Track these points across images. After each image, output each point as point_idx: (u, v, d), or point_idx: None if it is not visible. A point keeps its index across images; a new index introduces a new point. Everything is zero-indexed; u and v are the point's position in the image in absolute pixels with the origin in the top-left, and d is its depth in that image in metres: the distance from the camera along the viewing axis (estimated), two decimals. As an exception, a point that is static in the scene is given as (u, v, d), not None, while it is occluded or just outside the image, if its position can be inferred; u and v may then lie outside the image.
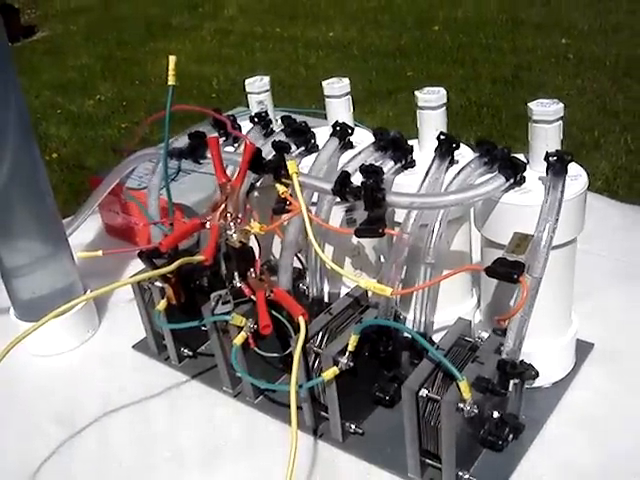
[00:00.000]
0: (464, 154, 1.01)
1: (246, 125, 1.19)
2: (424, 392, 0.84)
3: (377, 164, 0.94)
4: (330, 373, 0.90)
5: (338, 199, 0.98)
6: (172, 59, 1.05)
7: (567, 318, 1.03)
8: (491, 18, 5.72)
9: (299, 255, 1.10)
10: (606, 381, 1.03)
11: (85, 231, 1.42)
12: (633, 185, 3.27)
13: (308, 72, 5.13)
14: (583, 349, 1.08)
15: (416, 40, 5.50)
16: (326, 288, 1.09)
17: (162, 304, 1.08)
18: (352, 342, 0.89)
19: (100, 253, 1.09)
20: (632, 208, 1.49)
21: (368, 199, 0.89)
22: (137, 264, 1.37)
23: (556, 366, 1.03)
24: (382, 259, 1.21)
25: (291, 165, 0.95)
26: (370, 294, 1.02)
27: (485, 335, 0.92)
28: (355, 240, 1.13)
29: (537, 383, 0.99)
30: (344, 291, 1.12)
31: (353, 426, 0.97)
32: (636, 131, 3.76)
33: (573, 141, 3.47)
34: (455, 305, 1.07)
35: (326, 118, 1.15)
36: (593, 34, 5.07)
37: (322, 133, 1.11)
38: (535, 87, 4.36)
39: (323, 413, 0.99)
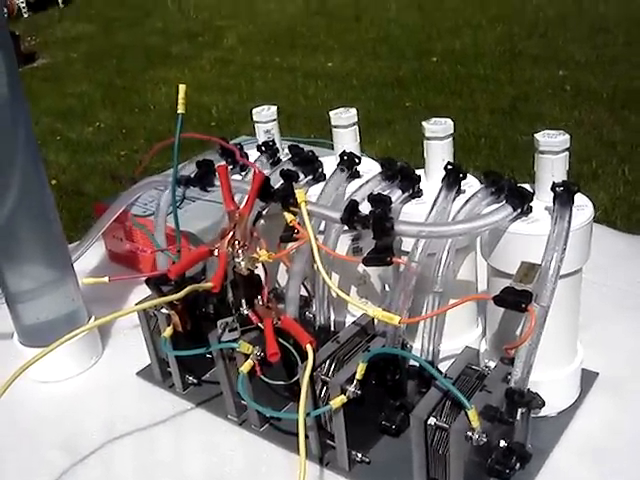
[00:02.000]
0: (471, 184, 1.02)
1: (252, 154, 1.20)
2: (432, 420, 0.84)
3: (385, 193, 0.95)
4: (338, 401, 0.90)
5: (345, 228, 0.99)
6: (182, 88, 1.06)
7: (573, 347, 1.03)
8: (489, 50, 5.78)
9: (305, 283, 1.10)
10: (611, 410, 1.04)
11: (88, 257, 1.42)
12: (631, 216, 3.29)
13: (307, 102, 5.17)
14: (588, 378, 1.08)
15: (414, 71, 5.55)
16: (332, 316, 1.09)
17: (168, 331, 1.08)
18: (360, 370, 0.90)
19: (106, 279, 1.09)
20: (635, 238, 1.50)
21: (377, 228, 0.90)
22: (140, 291, 1.38)
23: (562, 395, 1.03)
24: (387, 288, 1.21)
25: (300, 194, 0.96)
26: (376, 322, 1.03)
27: (491, 364, 0.93)
28: (361, 269, 1.13)
29: (543, 412, 0.98)
30: (350, 319, 1.13)
31: (359, 455, 0.97)
32: (634, 162, 3.79)
33: (571, 172, 3.49)
34: (461, 334, 1.07)
35: (332, 148, 1.16)
36: (590, 66, 5.12)
37: (328, 162, 1.12)
38: (533, 118, 4.40)
39: (329, 441, 0.98)
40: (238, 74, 6.03)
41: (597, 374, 1.10)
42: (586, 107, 4.47)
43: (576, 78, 4.95)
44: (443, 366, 0.96)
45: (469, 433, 0.81)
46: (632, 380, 1.09)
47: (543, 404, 0.90)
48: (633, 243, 1.47)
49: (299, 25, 7.17)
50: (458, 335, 1.06)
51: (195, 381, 1.16)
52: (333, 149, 1.16)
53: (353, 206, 0.93)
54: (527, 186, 0.97)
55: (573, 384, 1.04)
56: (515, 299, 0.82)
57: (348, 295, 1.04)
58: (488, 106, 4.69)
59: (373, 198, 0.92)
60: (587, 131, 4.10)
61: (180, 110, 1.06)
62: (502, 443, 0.89)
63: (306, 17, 7.46)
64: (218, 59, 6.46)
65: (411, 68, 5.62)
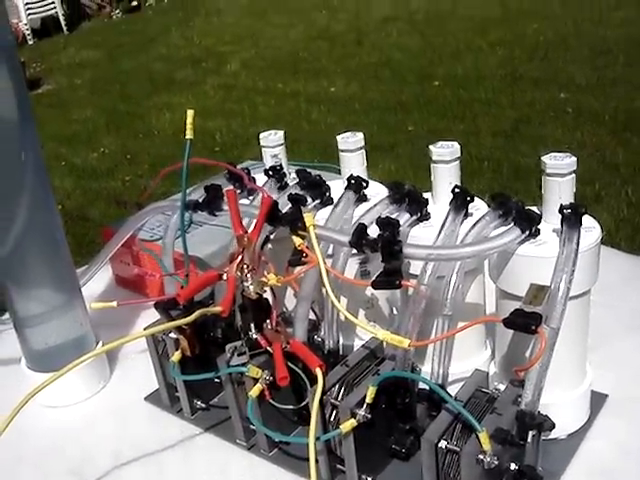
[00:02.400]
0: (478, 206, 1.02)
1: (259, 178, 1.21)
2: (443, 444, 0.84)
3: (393, 217, 0.95)
4: (348, 425, 0.90)
5: (353, 251, 1.00)
6: (190, 113, 1.07)
7: (582, 369, 1.03)
8: (490, 74, 5.81)
9: (313, 307, 1.10)
10: (621, 432, 1.03)
11: (95, 282, 1.42)
12: (635, 238, 3.29)
13: (310, 127, 5.20)
14: (597, 400, 1.07)
15: (416, 95, 5.58)
16: (340, 340, 1.10)
17: (177, 356, 1.08)
18: (370, 394, 0.89)
19: (115, 304, 1.09)
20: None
21: (385, 251, 0.90)
22: (147, 315, 1.38)
23: (571, 417, 1.03)
24: (395, 311, 1.21)
25: (308, 218, 0.97)
26: (385, 346, 1.03)
27: (501, 387, 0.93)
28: (369, 292, 1.13)
29: (553, 435, 0.98)
30: (357, 343, 1.13)
31: (369, 479, 0.96)
32: (637, 184, 3.80)
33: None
34: (469, 357, 1.07)
35: (338, 172, 1.16)
36: (591, 88, 5.15)
37: (335, 186, 1.13)
38: (535, 141, 4.42)
39: (339, 466, 0.98)
40: (241, 99, 6.07)
41: (606, 396, 1.10)
42: (588, 129, 4.49)
43: (577, 100, 4.97)
44: (452, 389, 0.96)
45: (480, 456, 0.81)
46: (641, 402, 1.09)
47: (553, 426, 0.90)
48: (639, 264, 1.47)
49: (301, 50, 7.22)
50: (467, 358, 1.06)
51: (203, 406, 1.16)
52: (339, 173, 1.16)
53: (361, 229, 0.93)
54: (534, 208, 0.97)
55: (583, 406, 1.04)
56: (525, 321, 0.82)
57: (357, 319, 1.04)
58: (490, 129, 4.72)
59: (381, 221, 0.93)
60: (590, 153, 4.11)
61: (189, 135, 1.07)
62: (513, 466, 0.88)
63: (308, 42, 7.51)
64: (221, 85, 6.50)
65: (413, 92, 5.65)
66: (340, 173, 1.16)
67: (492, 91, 5.43)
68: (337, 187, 1.13)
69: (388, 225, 0.92)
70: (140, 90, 6.49)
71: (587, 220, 0.94)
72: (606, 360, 1.13)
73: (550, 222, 0.95)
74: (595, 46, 6.00)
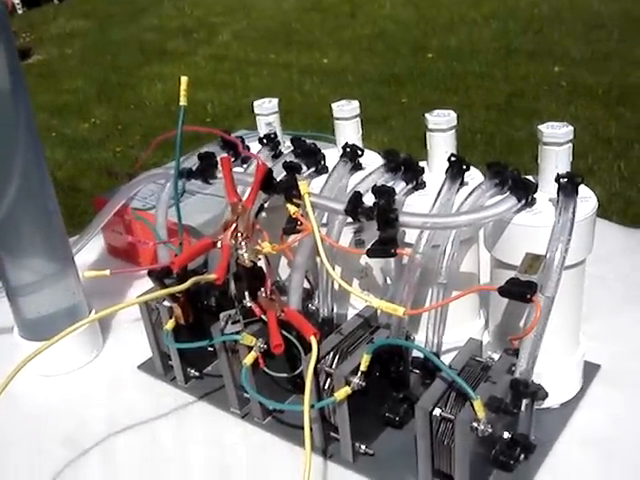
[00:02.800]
0: (473, 176, 1.02)
1: (253, 147, 1.20)
2: (438, 411, 0.84)
3: (388, 185, 0.95)
4: (342, 393, 0.90)
5: (348, 220, 0.99)
6: (184, 80, 1.05)
7: (576, 339, 1.03)
8: (484, 47, 5.78)
9: (307, 276, 1.10)
10: (614, 402, 1.04)
11: (87, 252, 1.41)
12: (627, 211, 3.30)
13: (303, 98, 5.17)
14: (590, 370, 1.08)
15: (410, 68, 5.55)
16: (334, 309, 1.09)
17: (170, 324, 1.08)
18: (364, 362, 0.89)
19: (108, 272, 1.08)
20: (636, 231, 1.50)
21: (381, 219, 0.89)
22: (140, 284, 1.38)
23: (564, 387, 1.03)
24: (389, 281, 1.21)
25: (303, 186, 0.96)
26: (379, 314, 1.03)
27: (495, 356, 0.93)
28: (363, 261, 1.13)
29: (545, 404, 0.99)
30: (351, 312, 1.13)
31: (363, 447, 0.97)
32: (629, 158, 3.81)
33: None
34: (463, 326, 1.07)
35: (333, 142, 1.16)
36: (585, 62, 5.13)
37: (330, 155, 1.12)
38: (528, 114, 4.41)
39: (333, 434, 0.98)
40: (233, 70, 6.03)
41: (599, 366, 1.10)
42: (582, 103, 4.49)
43: (571, 74, 4.96)
44: (446, 358, 0.96)
45: (474, 424, 0.81)
46: (634, 372, 1.09)
47: (546, 395, 0.90)
48: (633, 236, 1.47)
49: (294, 21, 7.16)
50: (460, 327, 1.06)
51: (197, 374, 1.16)
52: (334, 143, 1.16)
53: (357, 198, 0.93)
54: (530, 178, 0.96)
55: (576, 376, 1.04)
56: (520, 290, 0.82)
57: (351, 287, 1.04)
58: (484, 102, 4.70)
59: (377, 190, 0.92)
60: (583, 127, 4.10)
61: (182, 102, 1.06)
62: (506, 434, 0.89)
63: (301, 13, 7.45)
64: (213, 55, 6.45)
65: (406, 64, 5.62)
66: (335, 143, 1.15)
67: (486, 64, 5.40)
68: (332, 156, 1.12)
69: (384, 193, 0.91)
70: (131, 60, 6.44)
71: (583, 190, 0.93)
72: (599, 331, 1.13)
73: (546, 191, 0.94)
74: (589, 20, 5.98)
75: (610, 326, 1.18)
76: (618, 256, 1.36)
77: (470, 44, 5.89)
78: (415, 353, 0.99)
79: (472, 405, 0.81)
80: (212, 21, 7.50)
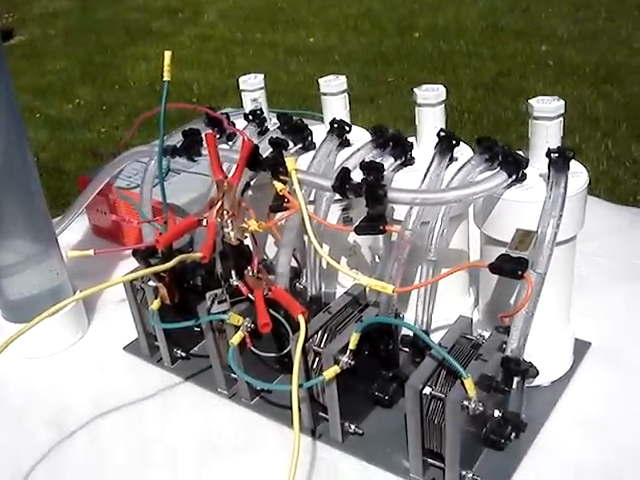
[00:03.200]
0: (463, 151, 1.00)
1: (239, 124, 1.18)
2: (428, 390, 0.83)
3: (377, 161, 0.93)
4: (331, 372, 0.88)
5: (336, 197, 0.97)
6: (168, 54, 1.03)
7: (566, 316, 1.02)
8: (471, 25, 5.74)
9: (294, 254, 1.08)
10: (604, 379, 1.03)
11: (71, 232, 1.39)
12: (615, 190, 3.29)
13: (289, 78, 5.12)
14: (581, 348, 1.07)
15: (396, 47, 5.51)
16: (322, 287, 1.08)
17: (156, 304, 1.06)
18: (353, 340, 0.88)
19: (92, 252, 1.06)
20: (626, 209, 1.50)
21: (369, 196, 0.88)
22: (125, 265, 1.36)
23: (555, 365, 1.02)
24: (377, 259, 1.20)
25: (290, 162, 0.94)
26: (368, 292, 1.01)
27: (486, 333, 0.92)
28: (351, 239, 1.12)
29: (536, 382, 0.98)
30: (340, 290, 1.11)
31: (353, 426, 0.95)
32: (616, 137, 3.80)
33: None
34: (453, 303, 1.06)
35: (320, 120, 1.14)
36: (572, 41, 5.11)
37: (317, 131, 1.10)
38: (516, 93, 4.39)
39: (321, 413, 0.97)
40: (219, 50, 5.96)
41: (590, 344, 1.09)
42: (569, 82, 4.47)
43: (559, 53, 4.93)
44: (435, 336, 0.95)
45: (465, 402, 0.80)
46: (625, 350, 1.08)
47: (537, 373, 0.89)
48: (623, 214, 1.47)
49: (280, 0, 7.09)
50: (450, 304, 1.05)
51: (183, 355, 1.15)
52: (321, 120, 1.14)
53: (345, 174, 0.91)
54: (520, 153, 0.95)
55: (566, 353, 1.04)
56: (511, 266, 0.80)
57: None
58: (471, 81, 4.67)
59: (365, 165, 0.90)
60: (570, 105, 4.07)
61: (166, 77, 1.03)
62: (497, 413, 0.88)
63: (287, -8, 7.38)
64: (198, 35, 6.38)
65: (393, 44, 5.58)
66: (322, 121, 1.13)
67: (473, 43, 5.37)
68: (319, 132, 1.10)
69: (372, 169, 0.89)
70: (115, 40, 6.35)
71: (574, 165, 0.92)
72: (590, 309, 1.12)
73: (536, 167, 0.93)
74: (576, -1, 5.95)
75: (600, 303, 1.17)
76: (607, 233, 1.35)
77: (457, 23, 5.85)
78: (404, 331, 0.98)
79: (463, 384, 0.80)
80: (197, 0, 7.41)
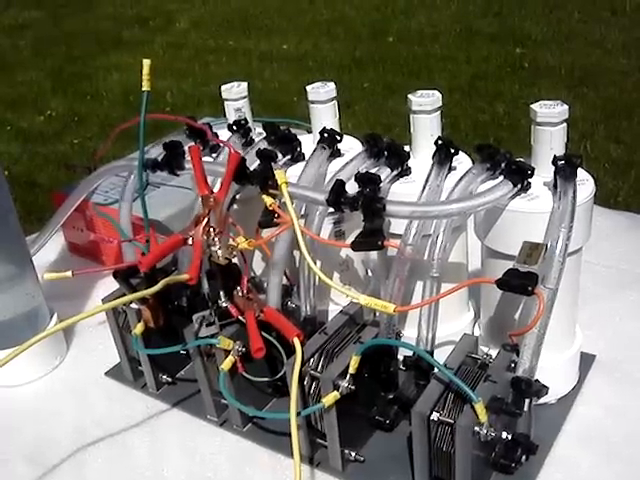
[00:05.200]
0: (461, 160, 0.95)
1: (222, 135, 1.12)
2: (435, 416, 0.77)
3: (372, 172, 0.88)
4: (331, 398, 0.83)
5: (330, 210, 0.92)
6: (146, 63, 0.97)
7: (572, 330, 0.98)
8: (444, 29, 5.72)
9: (285, 271, 1.03)
10: (611, 393, 0.99)
11: (46, 251, 1.33)
12: (595, 193, 3.27)
13: (263, 85, 5.06)
14: (585, 361, 1.03)
15: (371, 52, 5.47)
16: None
17: (139, 327, 1.00)
18: (353, 364, 0.83)
19: (69, 274, 1.00)
20: (619, 213, 1.46)
21: (367, 210, 0.82)
22: (104, 284, 1.30)
23: (562, 381, 0.98)
24: (370, 273, 1.15)
25: (280, 175, 0.88)
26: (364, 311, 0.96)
27: (491, 352, 0.87)
28: (344, 254, 1.06)
29: (543, 399, 0.93)
30: (332, 308, 1.06)
31: (353, 453, 0.90)
32: (594, 139, 3.78)
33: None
34: (452, 320, 1.01)
35: (303, 129, 1.09)
36: (547, 43, 5.10)
37: (304, 142, 1.05)
38: (492, 96, 4.37)
39: (319, 440, 0.92)
40: (191, 58, 5.89)
41: (594, 356, 1.05)
42: (545, 84, 4.45)
43: (533, 55, 4.93)
44: (437, 354, 0.90)
45: (477, 428, 0.75)
46: (630, 361, 1.05)
47: (547, 392, 0.85)
48: (617, 219, 1.43)
49: (252, 7, 7.03)
50: (450, 321, 1.00)
51: (169, 380, 1.09)
52: (305, 130, 1.09)
53: (339, 187, 0.85)
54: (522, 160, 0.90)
55: (573, 369, 0.99)
56: (520, 282, 0.75)
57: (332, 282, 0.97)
58: (447, 85, 4.64)
59: (361, 177, 0.85)
60: (548, 108, 4.06)
61: (145, 87, 0.97)
62: (507, 436, 0.83)
63: (259, -1, 7.33)
64: (170, 44, 6.30)
65: (367, 49, 5.54)
66: (305, 130, 1.08)
67: (447, 47, 5.35)
68: (306, 142, 1.05)
69: (369, 181, 0.84)
70: (86, 50, 6.25)
71: (579, 173, 0.87)
72: (592, 320, 1.08)
73: (540, 175, 0.88)
74: (549, 1, 5.95)
75: (602, 314, 1.14)
76: (603, 240, 1.31)
77: (431, 27, 5.83)
78: (405, 351, 0.93)
79: (473, 408, 0.75)
80: (169, 8, 7.32)
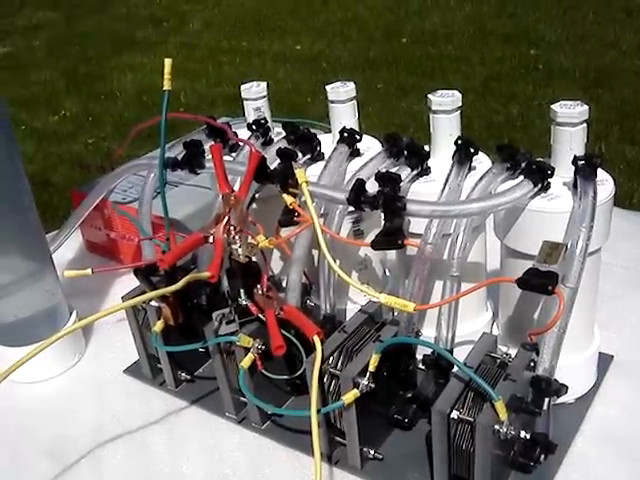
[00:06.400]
0: (480, 160, 0.96)
1: (241, 134, 1.13)
2: (455, 414, 0.78)
3: (392, 171, 0.88)
4: (350, 396, 0.83)
5: (348, 210, 0.93)
6: (168, 62, 0.98)
7: (591, 330, 0.98)
8: (458, 30, 5.72)
9: (304, 270, 1.03)
10: (629, 393, 0.99)
11: (64, 249, 1.34)
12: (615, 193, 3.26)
13: (277, 86, 5.07)
14: (604, 361, 1.03)
15: (384, 53, 5.48)
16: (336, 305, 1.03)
17: (159, 325, 1.01)
18: (373, 362, 0.83)
19: (89, 271, 1.00)
20: (635, 214, 1.46)
21: (387, 209, 0.83)
22: (122, 282, 1.31)
23: (580, 380, 0.98)
24: (387, 272, 1.15)
25: (300, 174, 0.89)
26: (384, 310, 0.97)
27: (511, 351, 0.87)
28: (362, 253, 1.07)
29: (561, 399, 0.93)
30: (350, 307, 1.07)
31: (372, 451, 0.90)
32: (609, 140, 3.77)
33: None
34: (471, 319, 1.01)
35: (321, 129, 1.09)
36: (561, 44, 5.09)
37: (323, 141, 1.06)
38: (506, 97, 4.37)
39: (337, 438, 0.92)
40: (205, 59, 5.91)
41: (612, 357, 1.05)
42: (559, 85, 4.44)
43: (548, 57, 4.92)
44: (456, 353, 0.90)
45: (497, 426, 0.75)
46: (648, 362, 1.04)
47: (566, 391, 0.85)
48: (634, 219, 1.42)
49: (265, 8, 7.04)
50: (468, 321, 1.00)
51: (188, 377, 1.09)
52: (323, 129, 1.09)
53: (360, 186, 0.86)
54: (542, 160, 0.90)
55: (591, 369, 0.99)
56: (541, 281, 0.75)
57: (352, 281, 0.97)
58: (460, 86, 4.62)
59: (381, 176, 0.85)
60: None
61: (166, 87, 0.98)
62: (526, 435, 0.83)
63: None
64: (184, 44, 6.32)
65: (381, 50, 5.55)
66: (323, 130, 1.09)
67: (461, 48, 5.34)
68: (325, 142, 1.06)
69: (389, 180, 0.84)
70: (100, 51, 6.28)
71: (599, 173, 0.87)
72: (610, 320, 1.08)
73: (559, 175, 0.88)
74: (563, 2, 5.93)
75: (619, 314, 1.14)
76: (620, 241, 1.30)
77: (444, 28, 5.82)
78: (424, 349, 0.93)
79: (493, 406, 0.75)
80: (182, 9, 7.35)
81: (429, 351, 0.90)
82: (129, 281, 1.06)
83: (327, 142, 1.06)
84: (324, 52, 5.71)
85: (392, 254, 1.09)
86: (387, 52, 5.48)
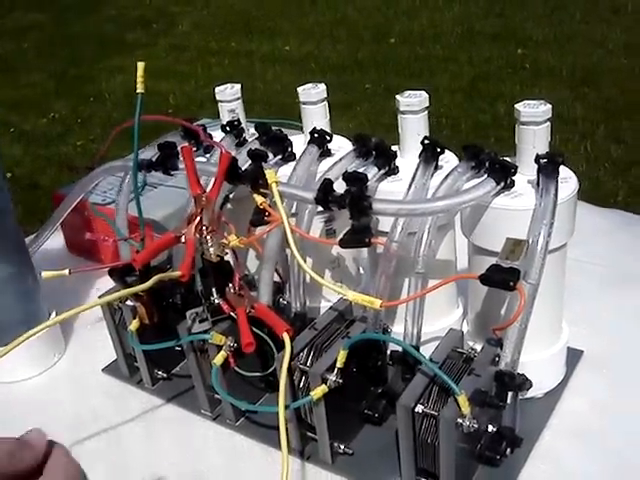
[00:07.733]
0: (447, 159, 0.97)
1: (216, 135, 1.14)
2: (420, 408, 0.79)
3: (360, 171, 0.90)
4: (319, 392, 0.85)
5: (318, 209, 0.94)
6: (141, 65, 0.99)
7: (558, 325, 1.00)
8: (446, 30, 5.75)
9: (277, 268, 1.05)
10: (598, 388, 1.00)
11: (45, 250, 1.35)
12: (594, 192, 3.28)
13: (265, 87, 5.10)
14: (573, 356, 1.05)
15: (373, 53, 5.51)
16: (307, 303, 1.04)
17: (134, 324, 1.03)
18: (341, 358, 0.85)
19: (66, 272, 1.02)
20: (611, 211, 1.47)
21: (354, 208, 0.84)
22: (101, 283, 1.32)
23: (548, 375, 1.00)
24: (362, 270, 1.17)
25: (270, 174, 0.91)
26: (354, 306, 0.98)
27: (477, 346, 0.89)
28: (335, 252, 1.08)
29: (529, 394, 0.95)
30: (323, 305, 1.08)
31: (342, 446, 0.92)
32: (595, 139, 3.80)
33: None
34: (441, 315, 1.03)
35: (297, 128, 1.11)
36: (548, 44, 5.13)
37: (296, 142, 1.07)
38: (493, 97, 4.40)
39: (309, 433, 0.94)
40: (194, 60, 5.93)
41: (582, 352, 1.07)
42: (546, 85, 4.48)
43: (535, 56, 4.95)
44: (425, 349, 0.92)
45: (459, 420, 0.77)
46: (617, 357, 1.06)
47: (531, 385, 0.87)
48: (609, 216, 1.44)
49: (254, 9, 7.06)
50: (438, 317, 1.02)
51: (164, 375, 1.11)
52: (299, 129, 1.11)
53: (327, 185, 0.87)
54: (507, 159, 0.92)
55: (559, 363, 1.01)
56: (502, 277, 0.77)
57: (323, 279, 0.99)
58: (448, 86, 4.67)
59: (348, 176, 0.87)
60: (548, 108, 4.08)
61: (139, 89, 0.99)
62: (491, 428, 0.85)
63: (261, 1, 7.35)
64: (173, 46, 6.34)
65: (369, 50, 5.57)
66: (300, 130, 1.10)
67: (449, 48, 5.38)
68: (298, 142, 1.07)
69: (356, 180, 0.86)
70: (90, 53, 6.29)
71: (563, 170, 0.89)
72: (580, 316, 1.09)
73: (524, 173, 0.90)
74: (550, 2, 5.97)
75: (590, 310, 1.15)
76: (593, 237, 1.33)
77: (432, 28, 5.85)
78: (392, 346, 0.95)
79: (456, 400, 0.77)
80: (171, 11, 7.37)
81: (399, 347, 0.92)
82: (108, 282, 1.07)
83: (300, 143, 1.07)
84: (313, 53, 5.73)
85: (365, 252, 1.11)
86: (376, 53, 5.51)
